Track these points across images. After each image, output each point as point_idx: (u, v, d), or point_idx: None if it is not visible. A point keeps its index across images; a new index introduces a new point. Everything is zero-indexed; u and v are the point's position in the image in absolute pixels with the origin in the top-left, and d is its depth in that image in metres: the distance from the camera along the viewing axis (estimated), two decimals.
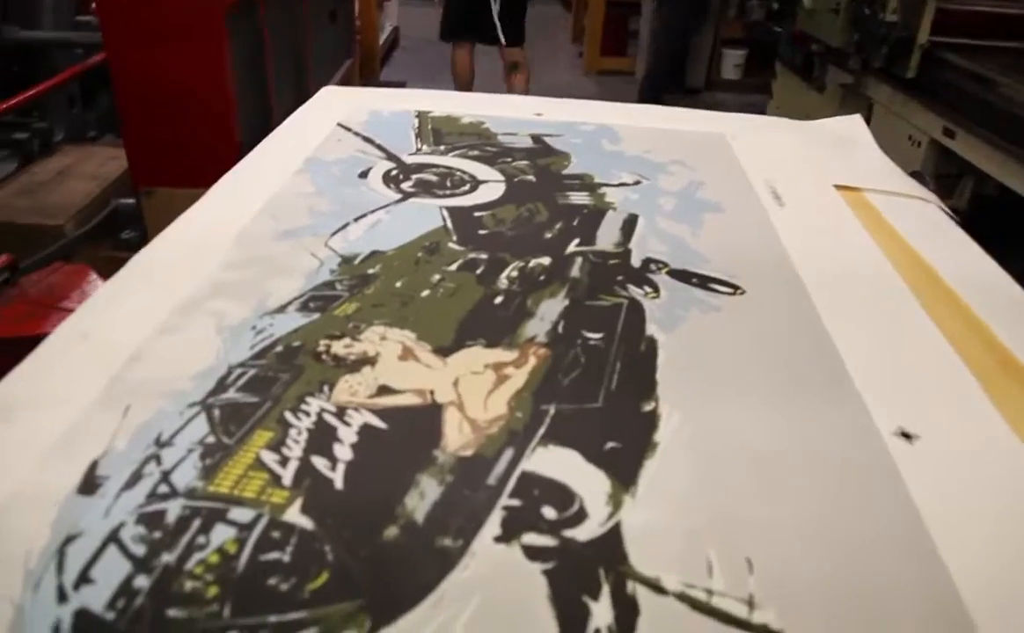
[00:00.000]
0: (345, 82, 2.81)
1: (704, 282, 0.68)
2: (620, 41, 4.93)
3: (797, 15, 2.82)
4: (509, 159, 0.95)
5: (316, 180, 0.85)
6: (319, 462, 0.44)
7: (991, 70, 2.07)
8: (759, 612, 0.37)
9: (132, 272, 0.66)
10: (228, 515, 0.41)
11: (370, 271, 0.67)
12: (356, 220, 0.77)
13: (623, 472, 0.45)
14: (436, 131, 1.04)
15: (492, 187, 0.87)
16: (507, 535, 0.40)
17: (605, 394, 0.52)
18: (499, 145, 1.00)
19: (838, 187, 0.90)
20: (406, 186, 0.86)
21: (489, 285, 0.66)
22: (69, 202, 1.60)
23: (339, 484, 0.43)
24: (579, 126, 1.08)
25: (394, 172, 0.90)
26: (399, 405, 0.50)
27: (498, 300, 0.64)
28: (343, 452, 0.45)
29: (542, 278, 0.67)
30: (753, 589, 0.38)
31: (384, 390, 0.51)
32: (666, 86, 4.14)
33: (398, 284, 0.65)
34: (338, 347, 0.56)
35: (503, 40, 3.19)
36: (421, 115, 1.10)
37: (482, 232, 0.76)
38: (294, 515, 0.41)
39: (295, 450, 0.45)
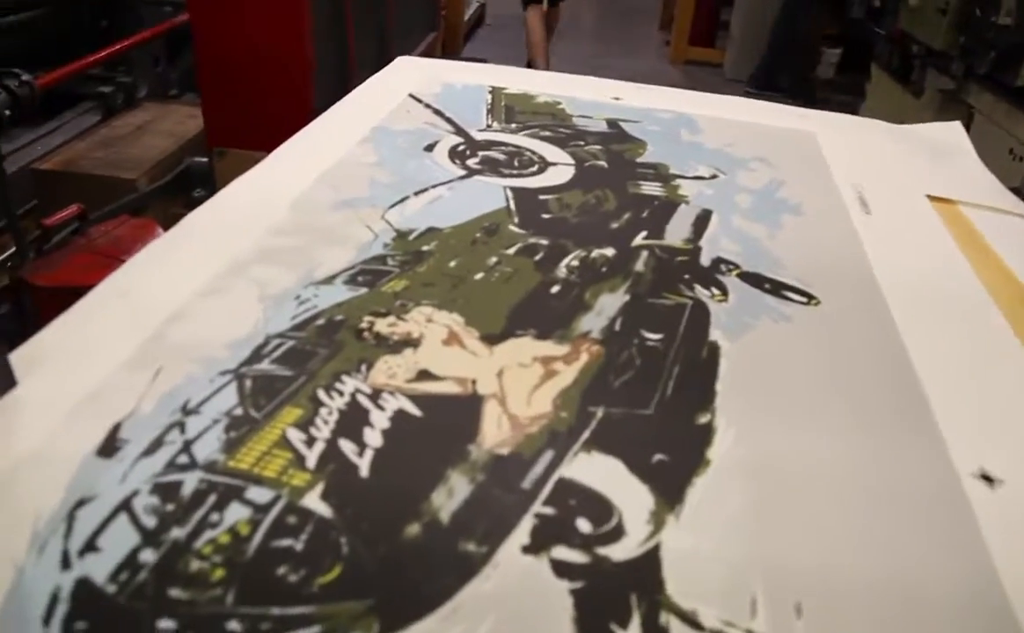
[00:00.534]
0: (426, 55, 2.79)
1: (777, 288, 0.63)
2: (709, 31, 4.79)
3: (899, 14, 2.68)
4: (582, 142, 0.92)
5: (380, 150, 0.83)
6: (346, 446, 0.42)
7: None
8: None
9: (183, 231, 0.65)
10: (245, 494, 0.38)
11: (424, 248, 0.64)
12: (416, 194, 0.74)
13: (669, 489, 0.41)
14: (509, 108, 1.01)
15: (561, 170, 0.84)
16: (536, 546, 0.37)
17: (659, 401, 0.48)
18: (573, 127, 0.96)
19: (931, 198, 0.83)
20: (472, 162, 0.83)
21: (547, 273, 0.62)
22: (144, 157, 1.63)
23: (364, 472, 0.41)
24: (657, 113, 1.03)
25: (461, 147, 0.87)
26: (438, 393, 0.47)
27: (555, 289, 0.60)
28: (373, 438, 0.43)
29: (604, 270, 0.64)
30: None
31: (424, 375, 0.49)
32: (783, 77, 3.98)
33: (452, 264, 0.62)
34: (382, 325, 0.53)
35: None
36: (495, 91, 1.07)
37: (546, 216, 0.73)
38: (313, 500, 0.38)
39: (323, 431, 0.43)
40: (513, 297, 0.58)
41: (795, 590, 0.36)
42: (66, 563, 0.34)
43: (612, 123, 0.98)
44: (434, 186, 0.76)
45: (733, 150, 0.92)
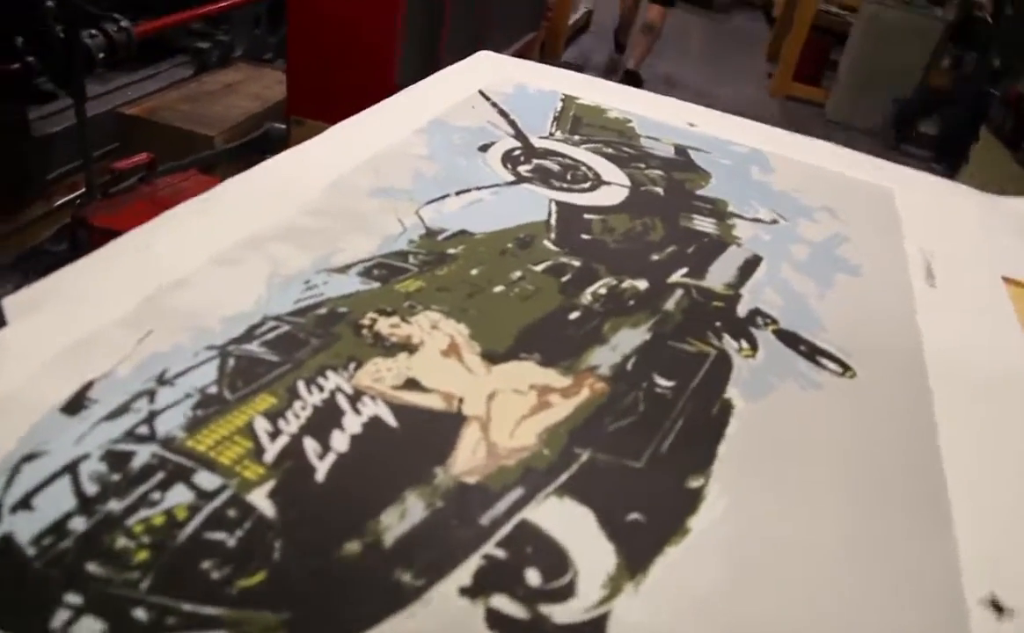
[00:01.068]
0: (522, 54, 2.78)
1: (812, 352, 0.59)
2: (816, 69, 4.65)
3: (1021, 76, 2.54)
4: (643, 165, 0.88)
5: (432, 142, 0.82)
6: (310, 446, 0.40)
7: None
8: None
9: (216, 196, 0.64)
10: (194, 477, 0.37)
11: (450, 251, 0.63)
12: (457, 194, 0.72)
13: (636, 554, 0.38)
14: (576, 118, 0.98)
15: (614, 191, 0.81)
16: (476, 590, 0.35)
17: (652, 454, 0.45)
18: (638, 148, 0.93)
19: (1007, 280, 0.77)
20: (523, 169, 0.81)
21: (570, 297, 0.60)
22: (226, 116, 1.66)
23: (321, 476, 0.39)
24: (731, 146, 0.99)
25: (516, 152, 0.85)
26: (420, 405, 0.45)
27: (574, 315, 0.57)
28: (340, 441, 0.41)
29: (631, 303, 0.61)
30: None
31: (411, 384, 0.47)
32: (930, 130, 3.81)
33: (473, 272, 0.60)
34: (383, 324, 0.51)
35: None
36: (567, 99, 1.04)
37: (585, 237, 0.70)
38: (260, 497, 0.37)
39: (291, 425, 0.41)
40: (528, 317, 0.56)
41: None
42: None
43: (680, 150, 0.95)
44: (478, 188, 0.74)
45: (801, 196, 0.88)
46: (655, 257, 0.69)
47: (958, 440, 0.52)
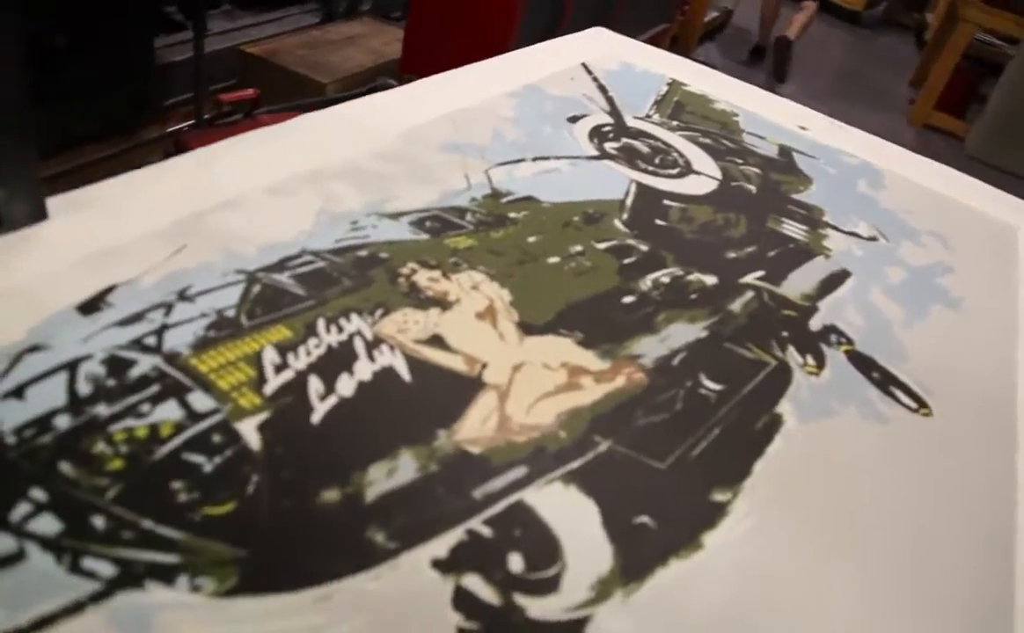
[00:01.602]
0: (651, 43, 2.71)
1: (887, 382, 0.53)
2: (961, 101, 4.34)
3: None
4: (740, 160, 0.83)
5: (521, 106, 0.79)
6: (314, 385, 0.39)
7: None
8: None
9: (291, 127, 0.64)
10: (188, 396, 0.36)
11: (512, 215, 0.60)
12: (533, 159, 0.70)
13: (636, 560, 0.35)
14: (679, 104, 0.93)
15: (702, 181, 0.76)
16: (449, 564, 0.32)
17: (679, 457, 0.42)
18: (738, 142, 0.88)
19: None
20: (610, 146, 0.77)
21: (629, 281, 0.56)
22: (341, 66, 1.68)
23: (317, 418, 0.37)
24: (841, 155, 0.92)
25: (606, 128, 0.81)
26: (440, 364, 0.43)
27: (628, 299, 0.54)
28: (346, 386, 0.39)
29: (694, 297, 0.57)
30: None
31: (436, 341, 0.44)
32: None
33: (531, 238, 0.57)
34: (422, 276, 0.49)
35: None
36: (673, 83, 0.99)
37: (659, 223, 0.66)
38: (249, 428, 0.35)
39: (300, 361, 0.40)
40: (577, 293, 0.53)
41: None
42: None
43: (784, 151, 0.89)
44: (557, 157, 0.71)
45: (909, 218, 0.80)
46: (731, 254, 0.64)
47: None
